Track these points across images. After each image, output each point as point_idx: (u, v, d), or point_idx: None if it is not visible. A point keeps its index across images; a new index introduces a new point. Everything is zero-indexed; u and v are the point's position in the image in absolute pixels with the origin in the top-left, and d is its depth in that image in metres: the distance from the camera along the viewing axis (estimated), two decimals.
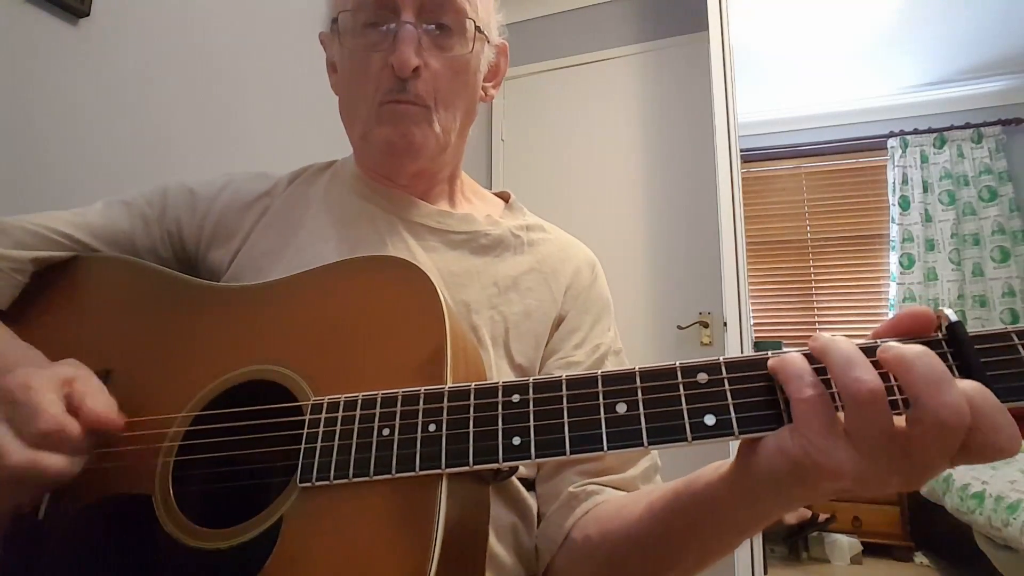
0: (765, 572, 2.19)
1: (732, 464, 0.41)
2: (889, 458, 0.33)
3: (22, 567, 0.48)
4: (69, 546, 0.48)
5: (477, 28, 0.64)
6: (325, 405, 0.45)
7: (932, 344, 0.36)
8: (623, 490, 0.59)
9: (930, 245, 3.64)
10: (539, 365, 0.65)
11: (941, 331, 0.36)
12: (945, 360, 0.35)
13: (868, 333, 0.38)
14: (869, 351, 0.35)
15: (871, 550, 3.04)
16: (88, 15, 1.08)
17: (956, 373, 0.35)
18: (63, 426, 0.44)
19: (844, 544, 2.98)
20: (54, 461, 0.44)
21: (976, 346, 0.35)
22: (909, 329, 0.37)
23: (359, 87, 0.63)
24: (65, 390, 0.47)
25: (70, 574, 0.48)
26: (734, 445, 0.39)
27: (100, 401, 0.48)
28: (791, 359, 0.36)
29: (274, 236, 0.67)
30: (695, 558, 0.48)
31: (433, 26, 0.62)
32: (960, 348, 0.35)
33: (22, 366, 0.48)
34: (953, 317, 0.35)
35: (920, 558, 3.01)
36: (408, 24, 0.60)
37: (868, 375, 0.33)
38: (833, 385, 0.35)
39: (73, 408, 0.46)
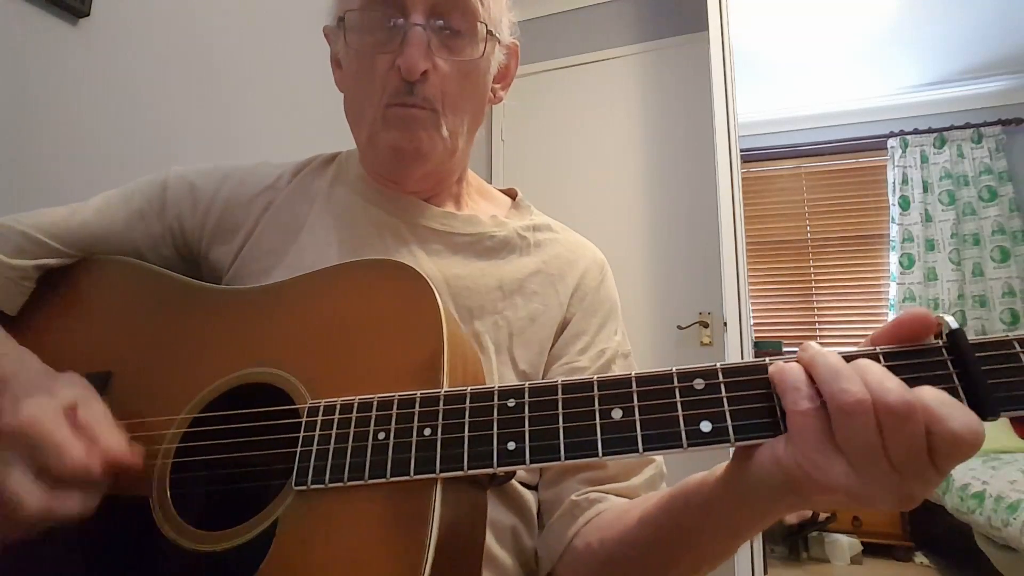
0: (765, 572, 2.19)
1: (727, 467, 0.41)
2: (883, 473, 0.33)
3: (18, 570, 0.48)
4: (65, 548, 0.48)
5: (488, 31, 0.62)
6: (321, 408, 0.45)
7: (932, 351, 0.36)
8: (626, 498, 0.58)
9: (930, 245, 3.64)
10: (543, 370, 0.64)
11: (942, 338, 0.36)
12: (945, 368, 0.35)
13: (868, 333, 0.38)
14: (855, 358, 0.35)
15: (871, 550, 3.04)
16: (88, 15, 1.08)
17: (957, 381, 0.35)
18: (88, 468, 0.43)
19: (844, 544, 2.98)
20: (73, 505, 0.42)
21: (977, 354, 0.35)
22: (910, 333, 0.37)
23: (365, 88, 0.62)
24: (69, 417, 0.45)
25: None
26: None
27: (116, 439, 0.46)
28: (789, 369, 0.36)
29: (277, 235, 0.66)
30: (691, 561, 0.48)
31: (442, 22, 0.60)
32: (961, 356, 0.35)
33: (24, 393, 0.46)
34: (954, 324, 0.35)
35: (920, 558, 3.01)
36: (417, 26, 0.58)
37: (855, 387, 0.33)
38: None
39: (86, 439, 0.44)
